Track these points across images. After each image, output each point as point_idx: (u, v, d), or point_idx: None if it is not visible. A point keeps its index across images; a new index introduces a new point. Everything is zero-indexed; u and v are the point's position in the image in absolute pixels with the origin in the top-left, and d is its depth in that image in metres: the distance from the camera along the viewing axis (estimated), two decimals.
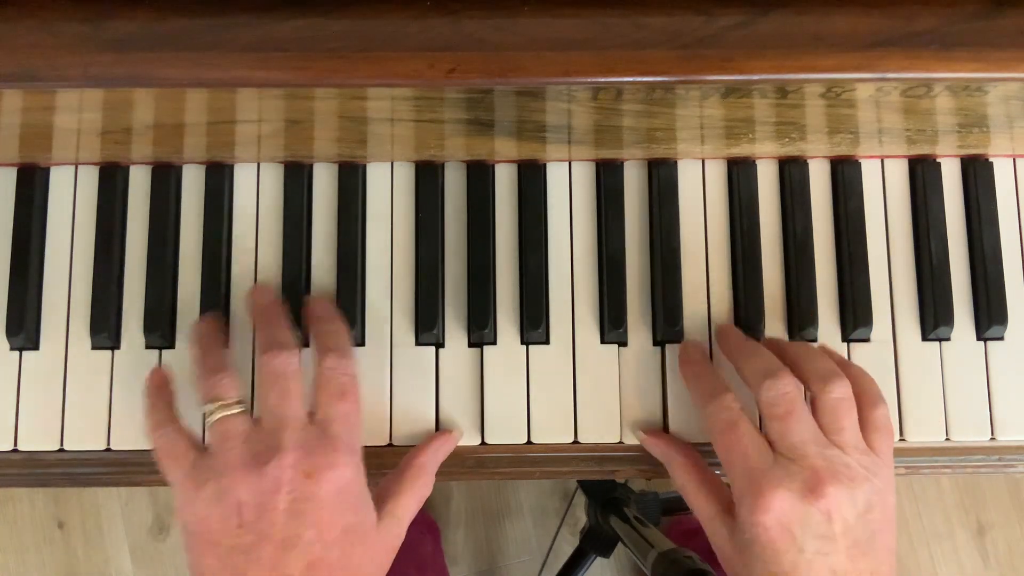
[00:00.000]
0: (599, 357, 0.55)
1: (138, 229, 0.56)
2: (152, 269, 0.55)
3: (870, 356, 0.55)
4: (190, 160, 0.56)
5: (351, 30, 0.42)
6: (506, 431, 0.54)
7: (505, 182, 0.56)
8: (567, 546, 1.23)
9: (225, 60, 0.42)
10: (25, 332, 0.54)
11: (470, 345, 0.55)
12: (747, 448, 0.47)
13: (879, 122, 0.51)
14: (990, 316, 0.55)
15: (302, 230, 0.55)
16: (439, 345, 0.55)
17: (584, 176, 0.57)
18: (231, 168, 0.56)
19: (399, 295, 0.55)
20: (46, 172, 0.56)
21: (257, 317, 0.52)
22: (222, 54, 0.42)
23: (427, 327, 0.54)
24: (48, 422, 0.54)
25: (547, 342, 0.55)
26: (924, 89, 0.45)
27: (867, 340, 0.55)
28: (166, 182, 0.55)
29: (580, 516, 1.30)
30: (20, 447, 0.54)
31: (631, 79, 0.43)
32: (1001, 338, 0.55)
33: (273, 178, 0.56)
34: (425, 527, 1.25)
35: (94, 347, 0.54)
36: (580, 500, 1.28)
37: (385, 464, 0.52)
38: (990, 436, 0.54)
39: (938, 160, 0.57)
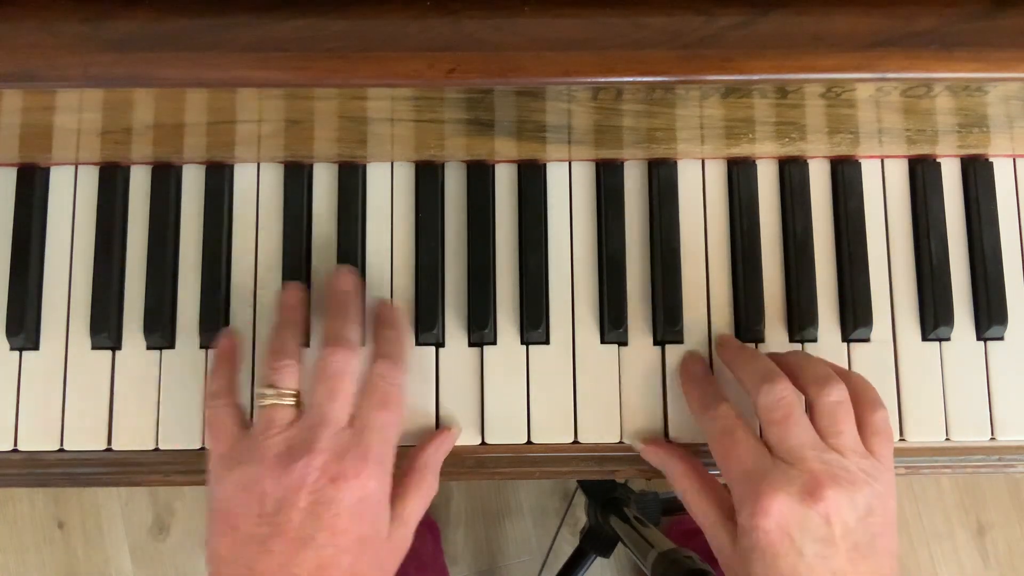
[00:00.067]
0: (599, 357, 0.55)
1: (138, 229, 0.56)
2: (152, 269, 0.55)
3: (870, 356, 0.55)
4: (190, 160, 0.56)
5: (351, 30, 0.42)
6: (506, 431, 0.54)
7: (505, 182, 0.56)
8: (567, 546, 1.23)
9: (225, 60, 0.42)
10: (25, 332, 0.54)
11: (470, 345, 0.55)
12: (745, 453, 0.47)
13: (879, 122, 0.51)
14: (990, 316, 0.55)
15: (302, 230, 0.55)
16: (439, 345, 0.55)
17: (584, 176, 0.57)
18: (231, 168, 0.56)
19: (399, 295, 0.55)
20: (46, 172, 0.56)
21: (331, 302, 0.52)
22: (222, 54, 0.42)
23: (427, 327, 0.54)
24: (48, 422, 0.54)
25: (547, 342, 0.55)
26: (924, 89, 0.45)
27: (867, 340, 0.55)
28: (166, 182, 0.55)
29: (580, 516, 1.30)
30: (20, 447, 0.54)
31: (631, 79, 0.43)
32: (1001, 338, 0.55)
33: (273, 178, 0.56)
34: (425, 527, 1.25)
35: (94, 347, 0.54)
36: (580, 500, 1.28)
37: None
38: (990, 436, 0.54)
39: (938, 160, 0.57)
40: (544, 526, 1.35)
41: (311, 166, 0.56)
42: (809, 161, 0.57)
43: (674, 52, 0.42)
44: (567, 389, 0.54)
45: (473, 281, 0.55)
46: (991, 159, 0.57)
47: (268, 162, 0.56)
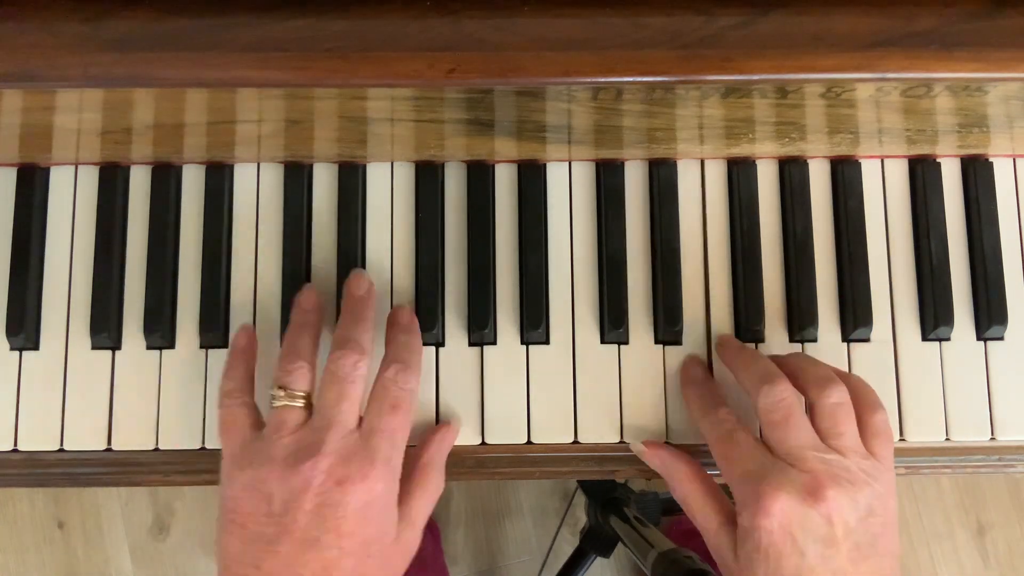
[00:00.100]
0: (599, 357, 0.55)
1: (138, 229, 0.56)
2: (152, 269, 0.55)
3: (870, 356, 0.55)
4: (190, 160, 0.56)
5: (351, 30, 0.42)
6: (506, 431, 0.54)
7: (505, 182, 0.56)
8: (567, 546, 1.23)
9: (225, 60, 0.42)
10: (25, 332, 0.54)
11: (470, 345, 0.55)
12: (746, 455, 0.47)
13: (879, 122, 0.51)
14: (990, 316, 0.55)
15: (302, 230, 0.55)
16: (439, 345, 0.55)
17: (584, 176, 0.57)
18: (231, 168, 0.56)
19: (399, 295, 0.55)
20: (46, 172, 0.56)
21: (345, 306, 0.52)
22: (222, 54, 0.42)
23: (427, 327, 0.54)
24: (48, 422, 0.54)
25: (547, 342, 0.55)
26: (924, 89, 0.45)
27: (867, 340, 0.55)
28: (166, 182, 0.55)
29: (580, 516, 1.30)
30: (20, 447, 0.54)
31: (631, 79, 0.43)
32: (1001, 338, 0.55)
33: (273, 178, 0.56)
34: (425, 527, 1.25)
35: (94, 347, 0.54)
36: (580, 500, 1.28)
37: None
38: (990, 436, 0.54)
39: (938, 160, 0.57)
40: (544, 526, 1.35)
41: (311, 166, 0.56)
42: (809, 161, 0.57)
43: (674, 52, 0.42)
44: (567, 389, 0.54)
45: (473, 281, 0.55)
46: (991, 159, 0.57)
47: (268, 162, 0.56)
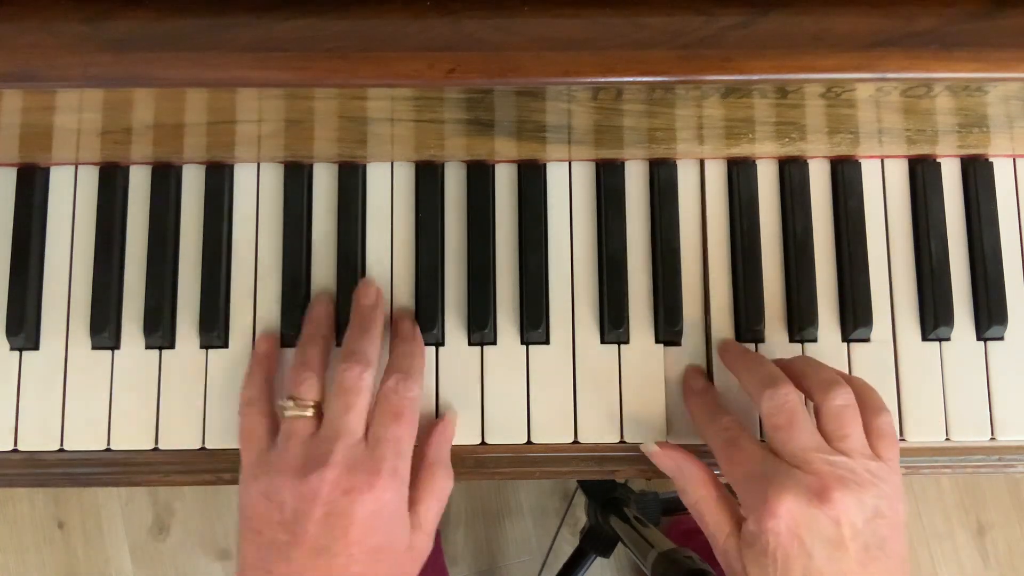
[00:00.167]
0: (599, 357, 0.55)
1: (138, 229, 0.56)
2: (152, 269, 0.55)
3: (870, 356, 0.55)
4: (190, 160, 0.56)
5: (351, 30, 0.42)
6: (506, 431, 0.54)
7: (505, 182, 0.56)
8: (567, 546, 1.23)
9: (225, 60, 0.42)
10: (25, 332, 0.54)
11: (470, 345, 0.55)
12: (750, 459, 0.47)
13: (879, 122, 0.51)
14: (990, 316, 0.55)
15: (302, 230, 0.55)
16: (439, 344, 0.55)
17: (584, 176, 0.57)
18: (231, 168, 0.56)
19: (399, 295, 0.55)
20: (46, 172, 0.56)
21: (353, 316, 0.53)
22: (222, 54, 0.42)
23: (427, 327, 0.54)
24: (48, 422, 0.54)
25: (547, 342, 0.55)
26: (924, 89, 0.45)
27: (867, 340, 0.55)
28: (166, 182, 0.55)
29: (580, 516, 1.30)
30: (20, 447, 0.54)
31: (631, 79, 0.43)
32: (1001, 338, 0.55)
33: (273, 178, 0.56)
34: None
35: (94, 347, 0.54)
36: (580, 500, 1.28)
37: None
38: (990, 436, 0.54)
39: (938, 160, 0.57)
40: (544, 526, 1.35)
41: (311, 166, 0.56)
42: (809, 161, 0.57)
43: (674, 52, 0.42)
44: (567, 389, 0.54)
45: (473, 281, 0.55)
46: (991, 159, 0.57)
47: (268, 162, 0.56)
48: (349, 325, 0.53)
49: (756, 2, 0.43)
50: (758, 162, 0.57)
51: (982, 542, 1.37)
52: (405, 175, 0.56)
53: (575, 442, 0.54)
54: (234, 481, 0.53)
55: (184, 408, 0.54)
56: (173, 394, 0.54)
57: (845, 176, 0.56)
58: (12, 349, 0.54)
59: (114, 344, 0.54)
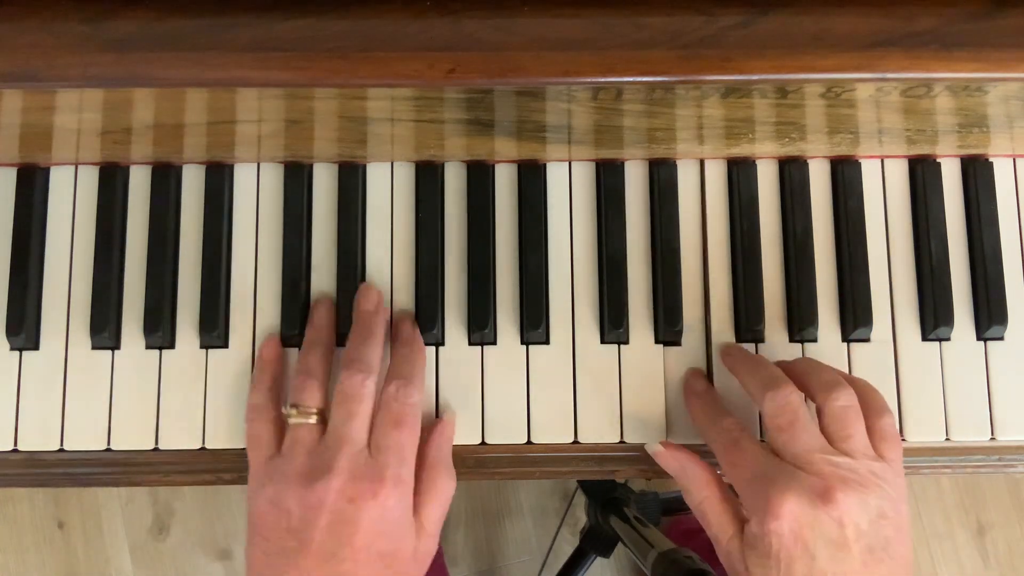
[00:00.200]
0: (599, 357, 0.55)
1: (138, 229, 0.56)
2: (152, 269, 0.55)
3: (870, 356, 0.55)
4: (190, 160, 0.56)
5: (351, 30, 0.42)
6: (506, 431, 0.54)
7: (505, 182, 0.56)
8: (567, 546, 1.23)
9: (225, 60, 0.42)
10: (25, 332, 0.54)
11: (470, 345, 0.55)
12: (753, 460, 0.47)
13: (879, 122, 0.50)
14: (990, 316, 0.55)
15: (302, 230, 0.55)
16: (439, 344, 0.55)
17: (584, 176, 0.57)
18: (231, 168, 0.56)
19: (399, 295, 0.55)
20: (46, 172, 0.56)
21: (355, 323, 0.53)
22: (222, 54, 0.42)
23: (427, 327, 0.54)
24: (48, 422, 0.54)
25: (547, 342, 0.55)
26: (924, 89, 0.45)
27: (867, 340, 0.55)
28: (166, 182, 0.55)
29: (580, 516, 1.30)
30: (20, 447, 0.54)
31: (631, 79, 0.43)
32: (1001, 338, 0.55)
33: (273, 178, 0.56)
34: None
35: (94, 347, 0.54)
36: (580, 500, 1.28)
37: None
38: (990, 436, 0.54)
39: (938, 160, 0.57)
40: (544, 526, 1.35)
41: (311, 166, 0.56)
42: (809, 161, 0.57)
43: (674, 52, 0.42)
44: (567, 389, 0.54)
45: (473, 281, 0.55)
46: (991, 159, 0.57)
47: (268, 162, 0.56)
48: (351, 331, 0.53)
49: (756, 2, 0.43)
50: (758, 162, 0.57)
51: (982, 542, 1.37)
52: (405, 175, 0.56)
53: (575, 442, 0.54)
54: (234, 481, 0.53)
55: (184, 408, 0.54)
56: (173, 394, 0.54)
57: (845, 176, 0.56)
58: (12, 349, 0.54)
59: (114, 344, 0.54)
